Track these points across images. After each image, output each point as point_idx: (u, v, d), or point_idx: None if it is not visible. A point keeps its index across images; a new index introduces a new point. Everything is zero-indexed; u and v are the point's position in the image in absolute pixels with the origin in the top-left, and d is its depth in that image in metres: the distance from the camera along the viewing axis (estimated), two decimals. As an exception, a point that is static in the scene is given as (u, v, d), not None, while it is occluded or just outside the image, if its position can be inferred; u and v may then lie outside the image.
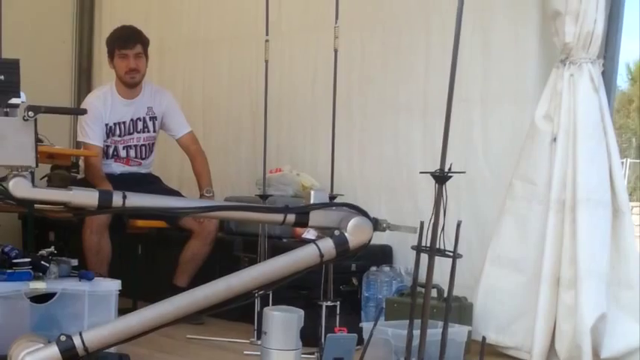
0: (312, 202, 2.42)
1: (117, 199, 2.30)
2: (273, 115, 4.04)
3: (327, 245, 2.33)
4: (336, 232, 2.33)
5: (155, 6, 5.62)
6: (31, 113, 2.24)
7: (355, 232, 2.33)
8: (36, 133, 2.28)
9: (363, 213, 2.37)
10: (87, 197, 2.31)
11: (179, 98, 4.74)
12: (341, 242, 2.32)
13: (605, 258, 3.38)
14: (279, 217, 2.39)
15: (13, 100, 2.25)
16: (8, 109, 2.25)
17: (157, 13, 5.59)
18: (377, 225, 2.37)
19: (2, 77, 2.24)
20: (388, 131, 4.34)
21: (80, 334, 2.28)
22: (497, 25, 3.92)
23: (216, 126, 5.18)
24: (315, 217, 2.38)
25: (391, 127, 4.33)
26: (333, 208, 2.40)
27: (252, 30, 3.99)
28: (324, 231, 2.41)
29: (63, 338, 2.26)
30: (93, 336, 2.31)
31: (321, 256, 2.32)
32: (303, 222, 2.40)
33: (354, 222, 2.33)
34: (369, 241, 2.36)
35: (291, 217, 2.38)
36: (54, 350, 2.25)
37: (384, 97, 4.37)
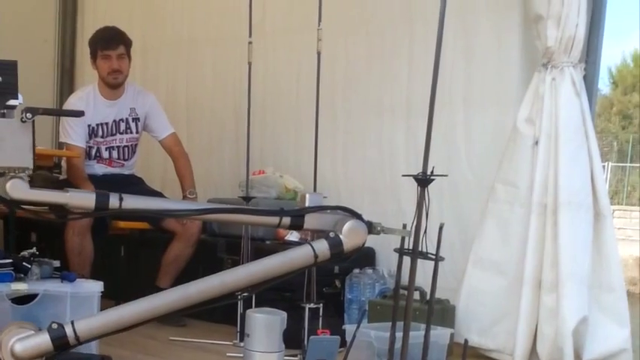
0: (307, 205, 2.43)
1: (114, 201, 2.30)
2: (257, 117, 4.03)
3: (322, 246, 2.35)
4: (331, 234, 2.34)
5: (138, 6, 5.59)
6: (29, 115, 2.24)
7: (350, 234, 2.35)
8: (33, 135, 2.27)
9: (357, 216, 2.38)
10: (84, 199, 2.31)
11: (163, 99, 4.72)
12: (335, 244, 2.34)
13: (586, 261, 3.40)
14: (274, 219, 2.41)
15: (11, 102, 2.24)
16: (5, 111, 2.24)
17: (140, 13, 5.56)
18: (371, 228, 2.39)
19: (0, 78, 2.23)
20: (371, 133, 4.35)
21: (72, 323, 2.27)
22: (480, 29, 3.93)
23: (200, 127, 5.16)
24: (310, 220, 2.40)
25: (375, 129, 4.34)
26: (328, 211, 2.42)
27: (236, 31, 3.99)
28: (319, 234, 2.42)
29: (55, 326, 2.25)
30: (85, 325, 2.30)
31: (316, 256, 2.34)
32: (298, 225, 2.41)
33: (349, 225, 2.35)
34: (364, 244, 2.38)
35: (286, 220, 2.40)
36: (45, 338, 2.24)
37: (368, 99, 4.38)
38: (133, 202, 2.35)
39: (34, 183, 2.36)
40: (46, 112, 2.32)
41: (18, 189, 2.25)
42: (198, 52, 5.26)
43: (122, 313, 2.34)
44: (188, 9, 5.31)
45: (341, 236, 2.34)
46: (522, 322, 3.45)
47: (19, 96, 2.26)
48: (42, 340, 2.24)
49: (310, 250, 2.34)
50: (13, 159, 2.24)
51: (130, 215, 3.66)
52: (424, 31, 3.98)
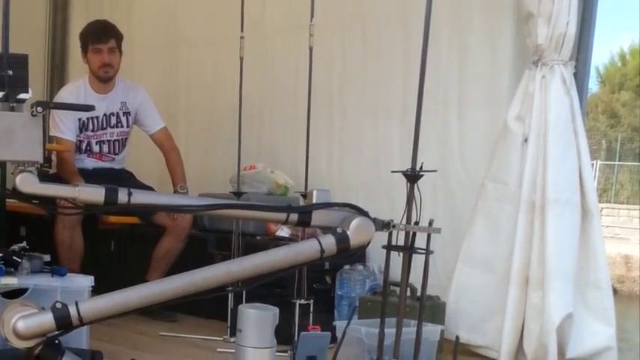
0: (314, 201, 2.42)
1: (122, 196, 2.29)
2: (254, 114, 4.04)
3: (329, 242, 2.34)
4: (339, 230, 2.34)
5: (138, 4, 5.60)
6: (39, 109, 2.21)
7: (357, 231, 2.34)
8: (44, 129, 2.25)
9: (364, 213, 2.39)
10: (93, 194, 2.29)
11: (163, 96, 4.71)
12: (342, 240, 2.33)
13: (573, 258, 3.41)
14: (282, 216, 2.39)
15: (22, 95, 2.22)
16: (15, 104, 2.21)
17: (137, 10, 5.56)
18: (382, 226, 2.39)
19: (11, 72, 2.20)
20: (367, 131, 4.38)
21: (76, 304, 2.24)
22: (474, 28, 3.94)
23: (199, 124, 5.19)
24: (318, 217, 2.38)
25: (370, 127, 4.37)
26: (335, 208, 2.41)
27: (234, 30, 4.00)
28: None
29: (58, 305, 2.22)
30: (89, 306, 2.28)
31: (322, 251, 2.33)
32: (305, 221, 2.40)
33: (356, 222, 2.34)
34: (370, 241, 2.38)
35: (294, 217, 2.38)
36: (48, 317, 2.21)
37: (364, 97, 4.40)
38: (141, 197, 2.34)
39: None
40: (57, 106, 2.30)
41: (28, 183, 2.23)
42: (198, 50, 5.27)
43: (127, 296, 2.31)
44: (188, 7, 5.31)
45: (348, 232, 2.34)
46: (509, 319, 3.46)
47: (29, 90, 2.24)
48: (45, 319, 2.21)
49: (317, 245, 2.33)
50: (23, 153, 2.21)
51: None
52: (419, 29, 3.95)
